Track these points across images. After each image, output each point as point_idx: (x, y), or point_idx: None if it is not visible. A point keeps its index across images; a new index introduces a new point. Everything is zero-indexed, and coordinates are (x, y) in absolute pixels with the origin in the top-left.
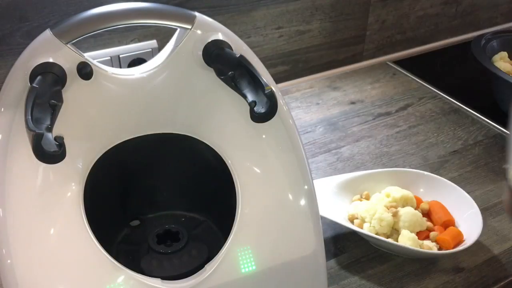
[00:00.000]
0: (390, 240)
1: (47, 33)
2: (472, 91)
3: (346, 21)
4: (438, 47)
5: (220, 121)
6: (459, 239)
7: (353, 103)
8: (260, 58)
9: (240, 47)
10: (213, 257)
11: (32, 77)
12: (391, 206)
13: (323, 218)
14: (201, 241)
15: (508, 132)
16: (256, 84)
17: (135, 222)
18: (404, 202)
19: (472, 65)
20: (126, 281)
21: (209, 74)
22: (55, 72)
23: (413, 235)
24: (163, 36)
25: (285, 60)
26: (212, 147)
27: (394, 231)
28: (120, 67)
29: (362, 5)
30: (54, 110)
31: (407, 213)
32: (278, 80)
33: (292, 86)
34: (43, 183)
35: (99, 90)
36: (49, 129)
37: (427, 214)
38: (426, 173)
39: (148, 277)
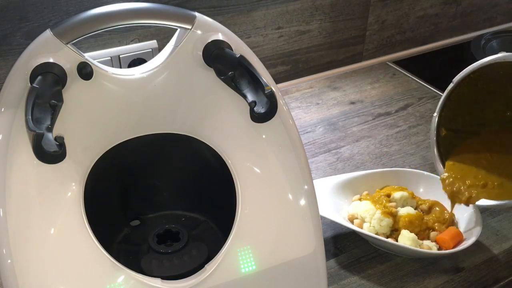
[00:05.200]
0: (390, 240)
1: (48, 33)
2: None
3: (346, 21)
4: (438, 47)
5: (220, 121)
6: (458, 239)
7: (353, 103)
8: (260, 58)
9: (240, 47)
10: (213, 257)
11: (32, 77)
12: (391, 206)
13: (323, 218)
14: (201, 241)
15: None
16: (256, 84)
17: (135, 222)
18: (404, 202)
19: None
20: (126, 281)
21: (209, 74)
22: (55, 72)
23: (413, 235)
24: (163, 36)
25: (285, 60)
26: (212, 147)
27: (394, 231)
28: (120, 67)
29: (362, 5)
30: (54, 110)
31: (407, 213)
32: (278, 80)
33: (292, 86)
34: (43, 183)
35: (99, 90)
36: (50, 129)
37: (427, 214)
38: (426, 173)
39: (148, 277)
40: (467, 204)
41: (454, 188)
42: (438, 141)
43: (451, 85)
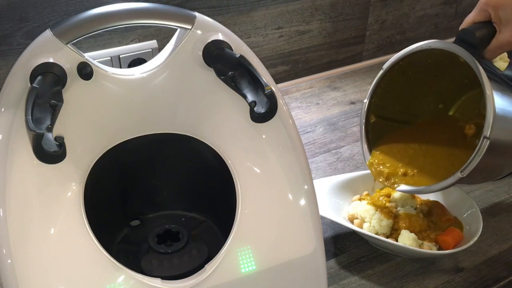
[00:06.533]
0: (390, 240)
1: (48, 33)
2: None
3: (346, 21)
4: None
5: (220, 121)
6: (459, 239)
7: (353, 103)
8: (260, 58)
9: (240, 47)
10: (213, 257)
11: (32, 77)
12: (391, 206)
13: (323, 218)
14: (201, 241)
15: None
16: (256, 84)
17: (135, 222)
18: (404, 202)
19: None
20: (126, 281)
21: (209, 74)
22: (55, 72)
23: (413, 235)
24: (163, 36)
25: (285, 60)
26: (212, 147)
27: (394, 231)
28: (120, 67)
29: (362, 5)
30: (54, 110)
31: (407, 213)
32: (278, 80)
33: (292, 86)
34: (43, 183)
35: (99, 90)
36: (49, 129)
37: (427, 214)
38: None
39: (148, 277)
40: (392, 188)
41: (379, 174)
42: (367, 128)
43: (381, 72)
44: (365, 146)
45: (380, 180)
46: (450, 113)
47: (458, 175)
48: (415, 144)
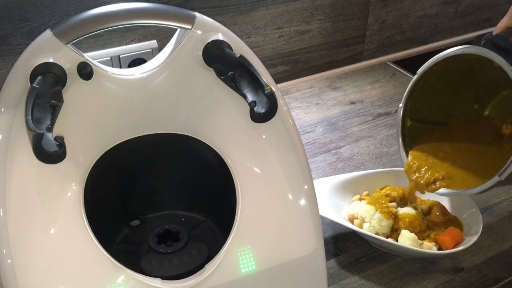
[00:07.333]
0: (390, 240)
1: (48, 33)
2: None
3: (346, 21)
4: (438, 47)
5: (220, 121)
6: (458, 239)
7: (353, 103)
8: (260, 58)
9: (240, 47)
10: (213, 257)
11: (32, 77)
12: (391, 206)
13: (323, 218)
14: (201, 241)
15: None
16: (256, 84)
17: (135, 222)
18: (404, 202)
19: None
20: (126, 281)
21: (209, 74)
22: (55, 72)
23: (413, 235)
24: (163, 36)
25: (285, 60)
26: (212, 147)
27: (394, 231)
28: (120, 67)
29: (362, 5)
30: (54, 110)
31: (407, 213)
32: (278, 80)
33: (292, 86)
34: (43, 183)
35: (99, 90)
36: (49, 129)
37: (427, 214)
38: None
39: (148, 277)
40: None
41: (414, 178)
42: (403, 132)
43: (415, 76)
44: (403, 151)
45: (417, 184)
46: (486, 112)
47: (496, 178)
48: (447, 147)
